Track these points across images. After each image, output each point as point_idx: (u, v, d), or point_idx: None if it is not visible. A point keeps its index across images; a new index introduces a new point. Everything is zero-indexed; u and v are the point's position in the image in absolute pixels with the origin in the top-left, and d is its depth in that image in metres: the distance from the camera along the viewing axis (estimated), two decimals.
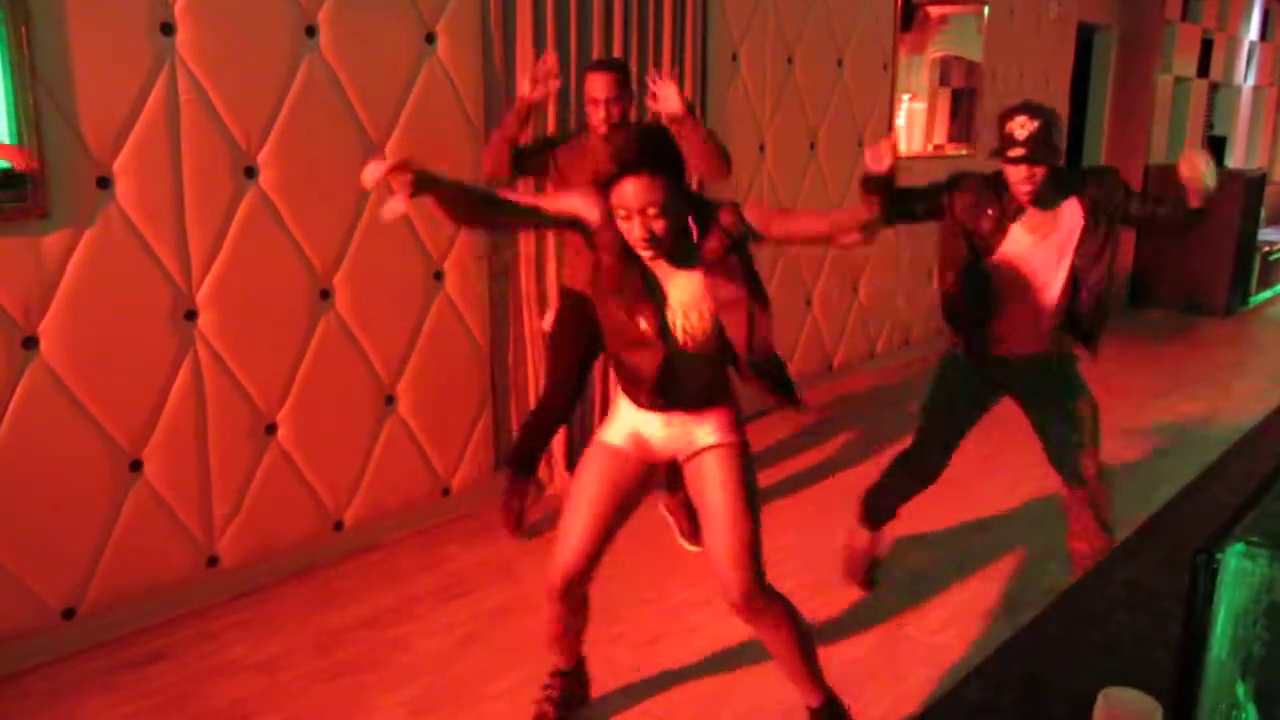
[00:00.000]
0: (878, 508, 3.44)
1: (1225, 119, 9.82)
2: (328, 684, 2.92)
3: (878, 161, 2.83)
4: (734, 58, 4.94)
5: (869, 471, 4.55)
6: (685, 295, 2.30)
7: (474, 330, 3.96)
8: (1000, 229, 2.97)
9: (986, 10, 6.63)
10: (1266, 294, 9.11)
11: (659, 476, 2.61)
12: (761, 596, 2.39)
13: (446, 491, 4.01)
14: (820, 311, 5.81)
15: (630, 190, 2.13)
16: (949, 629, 3.26)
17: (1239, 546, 0.78)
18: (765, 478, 4.53)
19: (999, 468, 4.58)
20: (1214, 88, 9.48)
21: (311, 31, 3.32)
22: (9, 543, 2.88)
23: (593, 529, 2.43)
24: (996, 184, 2.99)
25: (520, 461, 3.82)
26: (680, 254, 2.26)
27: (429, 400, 3.86)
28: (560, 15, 3.96)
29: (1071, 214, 2.93)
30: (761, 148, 5.19)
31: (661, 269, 2.29)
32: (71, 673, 2.94)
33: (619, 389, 2.48)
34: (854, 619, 3.32)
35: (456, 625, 3.24)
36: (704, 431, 2.42)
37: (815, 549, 3.80)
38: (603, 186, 2.19)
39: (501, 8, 3.80)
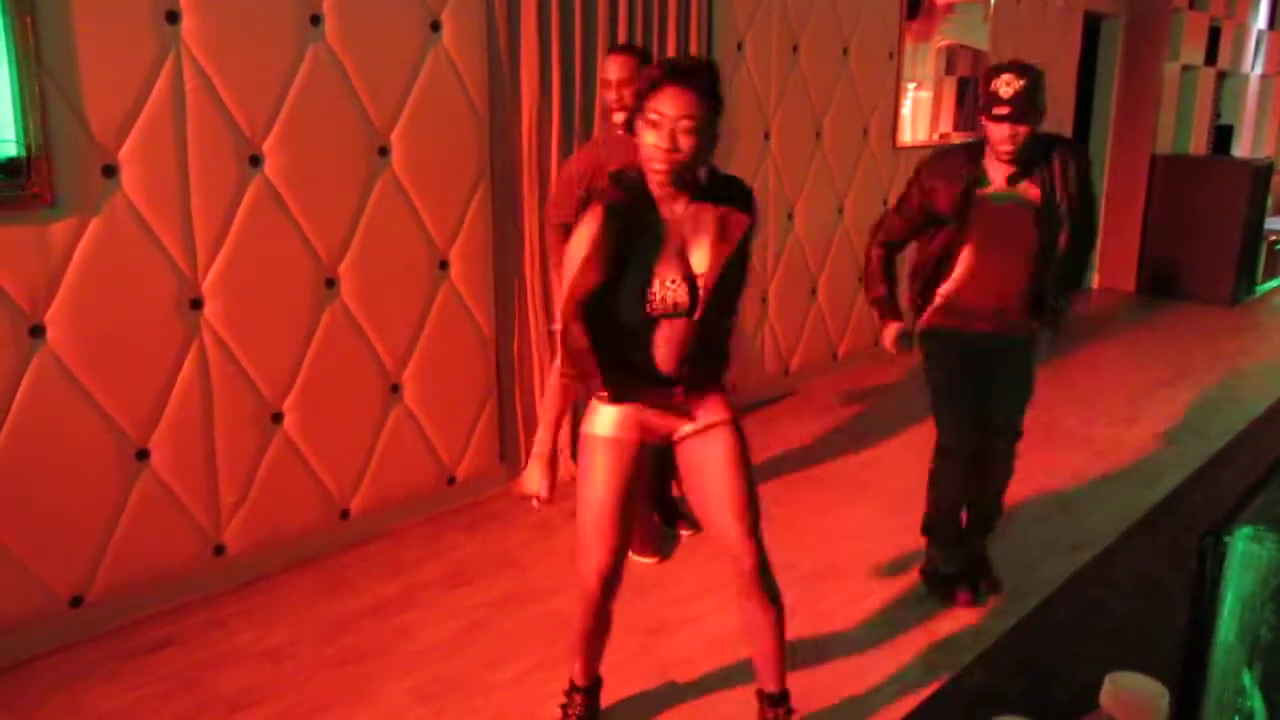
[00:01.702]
0: (945, 531, 3.40)
1: (1233, 108, 9.78)
2: (334, 671, 2.93)
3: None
4: (739, 46, 4.92)
5: (873, 460, 4.57)
6: (685, 244, 2.23)
7: (479, 319, 3.96)
8: (966, 201, 2.99)
9: None
10: (1273, 283, 9.08)
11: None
12: (769, 574, 2.42)
13: (452, 480, 4.02)
14: (825, 301, 5.80)
15: (670, 98, 2.06)
16: (953, 618, 3.26)
17: (1246, 529, 0.78)
18: (770, 468, 4.53)
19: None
20: (1221, 76, 9.43)
21: (316, 20, 3.31)
22: (17, 531, 2.89)
23: (614, 526, 2.39)
24: (966, 155, 3.03)
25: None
26: (681, 193, 2.21)
27: (434, 389, 3.86)
28: (565, 2, 3.95)
29: (1031, 186, 2.98)
30: (766, 136, 5.18)
31: (674, 224, 2.22)
32: (79, 660, 2.96)
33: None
34: (858, 608, 3.32)
35: (462, 613, 3.25)
36: (701, 410, 2.39)
37: (819, 539, 3.80)
38: (642, 92, 2.11)
39: None
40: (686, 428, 2.41)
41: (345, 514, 3.69)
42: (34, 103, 2.72)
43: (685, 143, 2.08)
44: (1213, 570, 0.79)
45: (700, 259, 2.22)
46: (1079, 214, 2.99)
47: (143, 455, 3.12)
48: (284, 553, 3.52)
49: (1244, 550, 0.78)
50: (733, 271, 2.25)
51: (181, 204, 3.08)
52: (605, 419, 2.38)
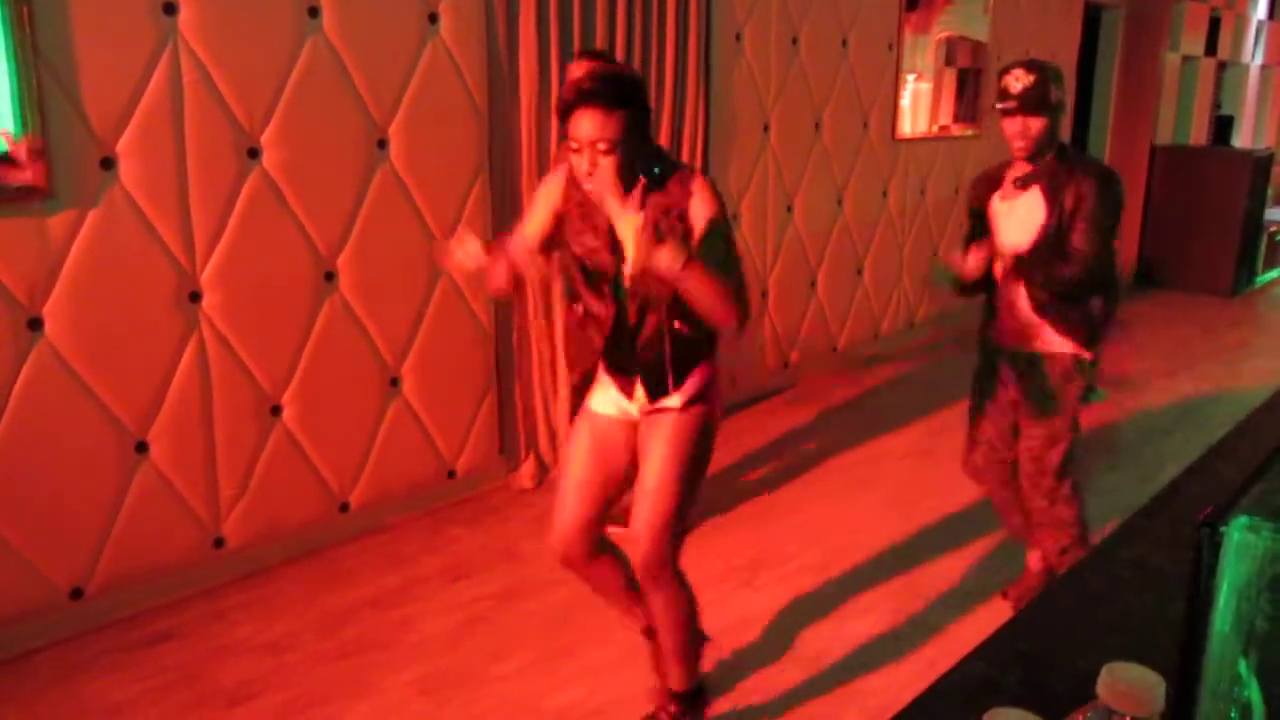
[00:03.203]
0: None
1: (1233, 98, 9.77)
2: (334, 664, 2.94)
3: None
4: (738, 38, 4.91)
5: (873, 453, 4.57)
6: (626, 238, 2.23)
7: (478, 312, 3.96)
8: (987, 204, 2.99)
9: None
10: (1272, 274, 9.08)
11: None
12: (663, 570, 2.37)
13: (451, 474, 4.02)
14: (825, 293, 5.80)
15: (584, 123, 2.11)
16: (953, 610, 3.26)
17: (1243, 520, 0.78)
18: (770, 461, 4.54)
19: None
20: (1222, 67, 9.42)
21: (314, 12, 3.30)
22: (17, 524, 2.89)
23: (584, 496, 2.43)
24: (1002, 166, 3.02)
25: None
26: (631, 200, 2.22)
27: (433, 383, 3.86)
28: None
29: (1035, 198, 2.89)
30: (766, 128, 5.17)
31: (620, 220, 2.24)
32: (80, 653, 2.96)
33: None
34: (858, 599, 3.33)
35: (462, 606, 3.25)
36: (668, 399, 2.37)
37: (821, 529, 3.81)
38: (559, 115, 2.17)
39: None
40: (650, 408, 2.40)
41: (345, 507, 3.69)
42: (32, 95, 2.72)
43: (607, 163, 2.13)
44: (1209, 561, 0.79)
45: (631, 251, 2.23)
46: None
47: (142, 448, 3.12)
48: (284, 545, 3.52)
49: (1240, 540, 0.78)
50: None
51: (180, 197, 3.08)
52: (601, 396, 2.47)
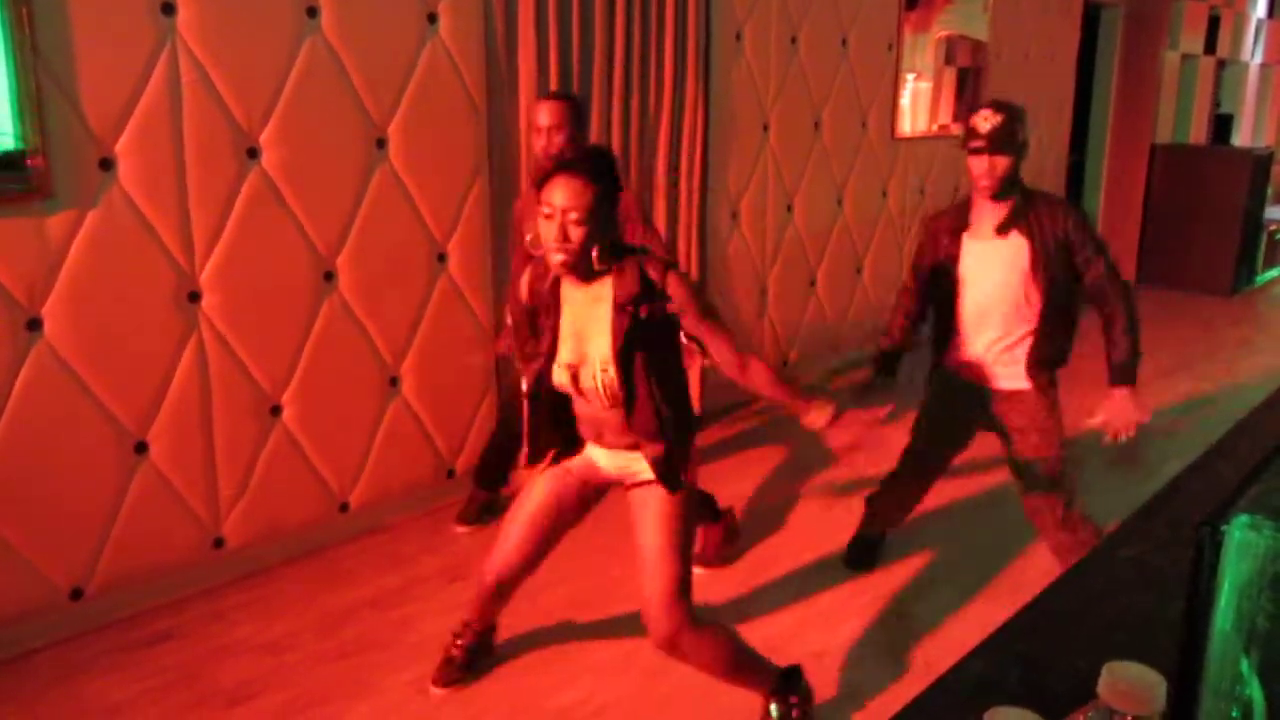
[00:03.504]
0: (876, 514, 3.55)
1: (1232, 96, 9.77)
2: (334, 664, 2.93)
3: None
4: (738, 37, 4.91)
5: (871, 453, 4.56)
6: (585, 328, 2.31)
7: (477, 311, 3.96)
8: (955, 246, 3.04)
9: None
10: (1272, 273, 9.07)
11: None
12: (684, 638, 2.38)
13: (451, 473, 4.02)
14: (824, 293, 5.80)
15: (559, 189, 2.17)
16: (951, 609, 3.26)
17: (1243, 518, 0.78)
18: (768, 461, 4.53)
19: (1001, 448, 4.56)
20: (1221, 65, 9.42)
21: (313, 12, 3.30)
22: (17, 524, 2.89)
23: (528, 539, 2.55)
24: (961, 207, 3.09)
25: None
26: (588, 277, 2.29)
27: (433, 382, 3.86)
28: None
29: (1018, 242, 2.96)
30: (765, 128, 5.17)
31: (571, 296, 2.33)
32: (79, 653, 2.96)
33: None
34: (855, 600, 3.33)
35: (462, 606, 3.23)
36: (644, 465, 2.41)
37: (820, 529, 3.80)
38: (536, 184, 2.24)
39: None
40: (630, 477, 2.46)
41: (344, 507, 3.69)
42: (31, 95, 2.72)
43: (575, 234, 2.17)
44: (1210, 559, 0.79)
45: (598, 343, 2.29)
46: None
47: (141, 448, 3.12)
48: (283, 545, 3.52)
49: (1240, 539, 0.78)
50: (639, 339, 2.27)
51: (179, 197, 3.08)
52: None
